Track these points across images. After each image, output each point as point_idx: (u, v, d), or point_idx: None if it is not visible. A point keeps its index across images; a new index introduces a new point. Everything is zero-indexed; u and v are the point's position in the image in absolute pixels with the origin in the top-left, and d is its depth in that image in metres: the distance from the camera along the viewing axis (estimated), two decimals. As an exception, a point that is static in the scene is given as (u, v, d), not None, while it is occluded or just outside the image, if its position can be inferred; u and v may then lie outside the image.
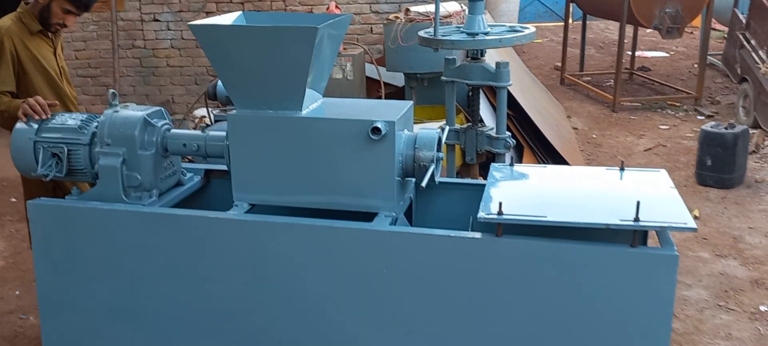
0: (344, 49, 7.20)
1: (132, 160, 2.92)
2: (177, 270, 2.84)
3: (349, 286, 2.67)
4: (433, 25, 4.34)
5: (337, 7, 7.44)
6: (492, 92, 5.92)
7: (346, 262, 2.66)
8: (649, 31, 10.04)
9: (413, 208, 3.12)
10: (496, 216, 2.44)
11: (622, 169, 2.93)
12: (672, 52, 12.41)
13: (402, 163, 2.76)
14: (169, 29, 8.66)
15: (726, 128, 6.31)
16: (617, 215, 2.40)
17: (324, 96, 3.00)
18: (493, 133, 4.46)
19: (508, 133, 4.43)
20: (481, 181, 3.19)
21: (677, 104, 9.10)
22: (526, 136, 6.40)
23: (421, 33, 4.47)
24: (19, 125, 3.08)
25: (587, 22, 11.05)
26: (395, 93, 7.42)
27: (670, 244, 2.43)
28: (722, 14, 10.39)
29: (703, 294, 4.47)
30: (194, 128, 5.45)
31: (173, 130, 3.04)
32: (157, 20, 8.67)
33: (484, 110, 5.81)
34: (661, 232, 2.49)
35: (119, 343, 3.00)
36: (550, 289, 2.48)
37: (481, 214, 2.47)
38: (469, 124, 4.62)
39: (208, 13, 8.41)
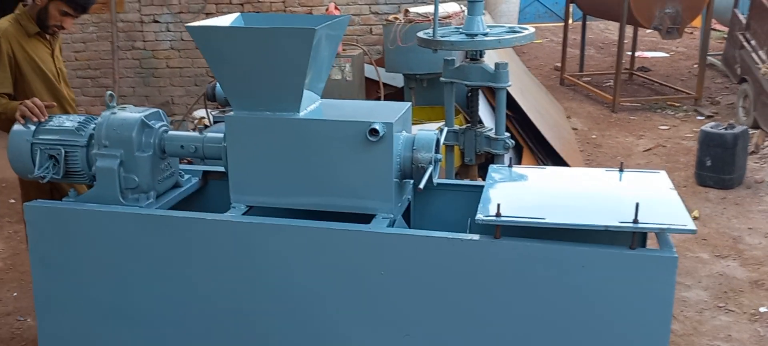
0: (343, 50, 7.19)
1: (129, 162, 2.91)
2: (174, 272, 2.83)
3: (346, 288, 2.66)
4: (432, 26, 4.33)
5: (336, 8, 7.44)
6: (491, 93, 5.91)
7: (343, 264, 2.65)
8: (648, 31, 10.03)
9: (411, 209, 3.11)
10: (494, 218, 2.43)
11: (621, 170, 2.92)
12: (672, 53, 12.40)
13: (400, 165, 2.75)
14: (168, 30, 8.65)
15: (726, 129, 6.30)
16: (616, 217, 2.39)
17: (323, 97, 2.99)
18: (492, 134, 4.46)
19: (507, 134, 4.42)
20: (479, 182, 3.18)
21: (677, 105, 9.09)
22: (525, 137, 6.39)
23: (420, 34, 4.46)
24: (17, 127, 3.07)
25: (587, 22, 11.04)
26: (394, 94, 7.41)
27: (669, 246, 2.42)
28: (722, 14, 10.37)
29: (703, 295, 4.46)
30: (193, 129, 5.44)
31: (171, 132, 3.03)
32: (157, 22, 8.67)
33: (484, 111, 5.80)
34: (661, 234, 2.48)
35: (116, 345, 2.99)
36: (549, 291, 2.46)
37: (479, 216, 2.46)
38: (468, 125, 4.61)
39: (208, 15, 8.41)
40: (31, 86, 3.48)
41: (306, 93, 2.76)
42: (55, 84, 3.59)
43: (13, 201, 6.36)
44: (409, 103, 2.94)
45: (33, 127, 3.05)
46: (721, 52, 10.17)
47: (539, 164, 6.05)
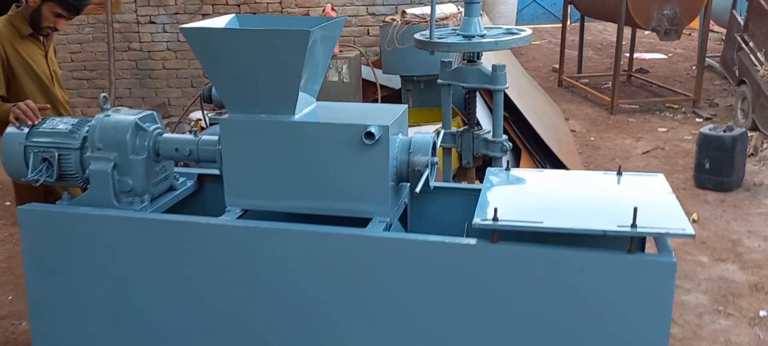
0: (340, 51, 7.17)
1: (123, 165, 2.88)
2: (168, 276, 2.80)
3: (342, 292, 2.64)
4: (429, 27, 4.31)
5: (333, 9, 7.42)
6: (489, 95, 5.89)
7: (339, 268, 2.62)
8: (647, 32, 10.02)
9: (408, 213, 3.09)
10: (491, 222, 2.40)
11: (619, 173, 2.89)
12: (670, 54, 12.39)
13: (396, 168, 2.72)
14: (165, 32, 8.63)
15: (724, 131, 6.28)
16: (614, 221, 2.37)
17: (319, 99, 2.97)
18: (489, 136, 4.43)
19: (505, 137, 4.40)
20: (476, 185, 3.16)
21: (675, 106, 9.08)
22: (523, 139, 6.37)
23: (417, 36, 4.44)
24: (10, 129, 3.04)
25: (585, 23, 11.04)
26: (392, 96, 7.39)
27: (668, 250, 2.40)
28: (720, 16, 10.37)
29: (702, 299, 4.43)
30: (188, 132, 5.42)
31: (165, 135, 3.00)
32: (153, 23, 8.65)
33: (482, 113, 5.78)
34: (659, 238, 2.45)
35: (110, 350, 2.96)
36: (547, 296, 2.44)
37: (476, 220, 2.43)
38: (466, 127, 4.58)
39: (205, 16, 8.39)
40: (24, 88, 3.45)
41: (301, 95, 2.73)
42: (48, 86, 3.57)
43: (8, 203, 6.33)
44: (406, 106, 2.91)
45: (26, 130, 3.02)
46: (720, 54, 10.15)
47: (537, 167, 6.03)
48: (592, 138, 7.96)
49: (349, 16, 8.32)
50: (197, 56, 2.75)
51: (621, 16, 8.68)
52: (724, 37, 10.38)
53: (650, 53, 12.42)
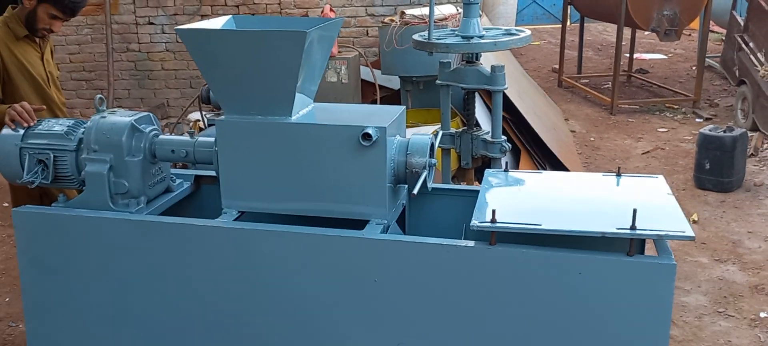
0: (339, 52, 7.16)
1: (119, 167, 2.86)
2: (164, 278, 2.78)
3: (339, 294, 2.62)
4: (428, 28, 4.29)
5: (331, 10, 7.40)
6: (489, 96, 5.87)
7: (336, 270, 2.60)
8: (647, 33, 10.00)
9: (406, 214, 3.06)
10: (489, 224, 2.38)
11: (618, 175, 2.87)
12: (670, 55, 12.37)
13: (394, 170, 2.70)
14: (163, 32, 8.62)
15: (724, 131, 6.26)
16: (613, 223, 2.35)
17: (318, 99, 2.95)
18: (488, 137, 4.41)
19: (504, 138, 4.38)
20: (475, 187, 3.14)
21: (675, 107, 9.06)
22: (523, 140, 6.36)
23: (416, 36, 4.42)
24: (5, 131, 3.02)
25: (585, 24, 11.01)
26: (391, 96, 7.38)
27: (667, 252, 2.38)
28: (720, 16, 10.35)
29: (702, 300, 4.41)
30: (183, 133, 5.40)
31: (161, 136, 2.98)
32: (152, 23, 8.63)
33: (482, 114, 5.76)
34: (659, 240, 2.43)
35: (106, 353, 2.94)
36: (545, 298, 2.42)
37: (474, 222, 2.41)
38: (465, 128, 4.57)
39: (204, 17, 8.37)
40: (19, 90, 3.43)
41: (298, 97, 2.71)
42: (44, 88, 3.54)
43: (6, 205, 6.31)
44: (403, 107, 2.89)
45: (22, 132, 3.00)
46: (720, 55, 10.14)
47: (537, 167, 6.01)
48: (592, 138, 7.94)
49: (348, 16, 8.30)
50: (193, 58, 2.73)
51: (621, 16, 8.66)
52: (724, 38, 10.36)
53: (650, 54, 12.40)
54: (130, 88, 8.85)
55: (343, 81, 6.84)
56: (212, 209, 2.99)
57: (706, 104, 9.11)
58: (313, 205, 2.73)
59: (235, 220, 2.77)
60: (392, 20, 6.74)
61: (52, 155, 2.93)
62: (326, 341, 2.68)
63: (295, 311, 2.68)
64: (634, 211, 2.29)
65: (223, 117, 2.78)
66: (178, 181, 3.23)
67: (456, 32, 4.37)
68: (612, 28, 12.36)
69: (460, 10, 5.78)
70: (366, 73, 7.33)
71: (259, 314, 2.72)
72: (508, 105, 6.19)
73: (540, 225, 2.37)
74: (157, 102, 8.83)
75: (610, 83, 9.67)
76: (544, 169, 6.01)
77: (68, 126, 2.98)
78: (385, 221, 2.67)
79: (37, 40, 3.55)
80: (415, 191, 2.63)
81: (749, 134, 6.79)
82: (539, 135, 6.23)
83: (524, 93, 7.33)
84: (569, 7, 10.61)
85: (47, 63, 3.62)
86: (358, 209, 2.69)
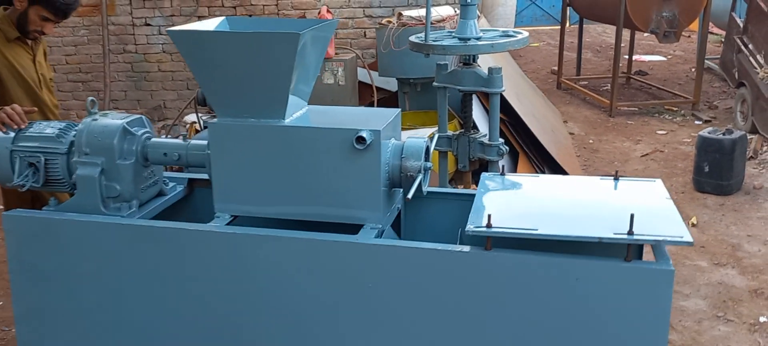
0: (336, 53, 7.13)
1: (111, 170, 2.82)
2: (156, 283, 2.74)
3: (333, 300, 2.58)
4: (424, 29, 4.25)
5: (328, 11, 7.37)
6: (486, 98, 5.84)
7: (330, 275, 2.56)
8: (646, 35, 9.98)
9: (402, 218, 3.03)
10: (484, 229, 2.35)
11: (616, 178, 2.84)
12: (669, 56, 12.35)
13: (388, 174, 2.66)
14: (160, 33, 8.58)
15: (724, 134, 6.23)
16: (611, 228, 2.31)
17: (315, 101, 2.92)
18: (485, 140, 4.37)
19: (501, 141, 4.34)
20: (471, 190, 3.10)
21: (675, 109, 9.02)
22: (521, 142, 6.32)
23: (412, 38, 4.38)
24: (-4, 134, 2.98)
25: (584, 25, 10.99)
26: (389, 98, 7.35)
27: (665, 258, 2.34)
28: (719, 18, 10.33)
29: (701, 304, 4.38)
30: (176, 136, 5.37)
31: (154, 139, 2.94)
32: (149, 24, 8.60)
33: (480, 116, 5.73)
34: (657, 245, 2.39)
35: (97, 358, 2.91)
36: (542, 304, 2.38)
37: (469, 226, 2.37)
38: (462, 130, 4.53)
39: (201, 18, 8.33)
40: (10, 93, 3.39)
41: (292, 99, 2.68)
42: (35, 91, 3.51)
43: (1, 207, 6.26)
44: (399, 110, 2.85)
45: (12, 134, 2.97)
46: (719, 56, 10.11)
47: (535, 170, 5.98)
48: (591, 141, 7.91)
49: (345, 18, 8.27)
50: (185, 59, 2.70)
51: (620, 18, 8.63)
52: (723, 40, 10.33)
53: (649, 55, 12.37)
54: (126, 89, 8.81)
55: (340, 83, 6.80)
56: (206, 213, 2.95)
57: (705, 106, 9.08)
58: (307, 209, 2.70)
59: (227, 224, 2.74)
60: (390, 22, 6.71)
61: (43, 158, 2.89)
62: (320, 344, 2.64)
63: (287, 316, 2.64)
64: (632, 216, 2.26)
65: (215, 120, 2.74)
66: (171, 184, 3.19)
67: (453, 34, 4.34)
68: (611, 29, 12.33)
69: (458, 12, 5.75)
70: (363, 74, 7.30)
71: (251, 319, 2.68)
72: (507, 107, 6.16)
73: (536, 230, 2.34)
74: (153, 104, 8.79)
75: (609, 85, 9.65)
76: (543, 172, 5.98)
77: (59, 129, 2.94)
78: (380, 226, 2.63)
79: (29, 42, 3.52)
80: (410, 195, 2.59)
81: (748, 137, 6.77)
82: (537, 137, 6.20)
83: (522, 95, 7.30)
84: (568, 8, 10.58)
85: (39, 65, 3.59)
86: (352, 213, 2.65)
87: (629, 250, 2.29)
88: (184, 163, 2.91)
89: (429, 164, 2.72)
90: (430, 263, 2.45)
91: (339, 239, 2.54)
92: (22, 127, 2.98)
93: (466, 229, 2.37)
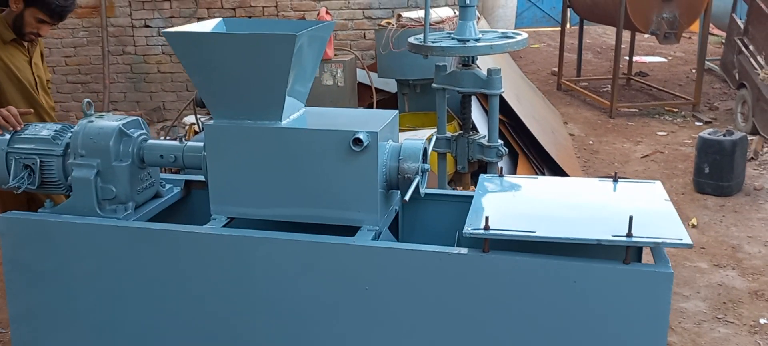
0: (335, 55, 7.11)
1: (107, 172, 2.81)
2: (152, 285, 2.73)
3: (330, 302, 2.56)
4: (423, 31, 4.24)
5: (327, 13, 7.35)
6: (486, 99, 5.82)
7: (326, 277, 2.55)
8: (646, 36, 9.96)
9: (400, 220, 3.01)
10: (482, 231, 2.33)
11: (615, 180, 2.82)
12: (670, 58, 12.32)
13: (386, 176, 2.65)
14: (159, 35, 8.56)
15: (724, 135, 6.21)
16: (610, 230, 2.29)
17: (314, 103, 2.90)
18: (484, 141, 4.36)
19: (501, 142, 4.33)
20: (470, 192, 3.08)
21: (675, 110, 9.00)
22: (520, 144, 6.31)
23: (411, 39, 4.36)
24: (-9, 136, 2.97)
25: (584, 27, 10.97)
26: (388, 100, 7.34)
27: (664, 260, 2.32)
28: (720, 19, 10.30)
29: (701, 306, 4.36)
30: (172, 138, 5.36)
31: (150, 141, 2.93)
32: (148, 26, 8.59)
33: (479, 117, 5.71)
34: (656, 247, 2.38)
35: (93, 361, 2.89)
36: (540, 307, 2.37)
37: (466, 228, 2.36)
38: (461, 132, 4.51)
39: (200, 19, 8.31)
40: (5, 94, 3.38)
41: (289, 100, 2.66)
42: (31, 93, 3.49)
43: (-1, 209, 6.24)
44: (396, 112, 2.84)
45: (8, 136, 2.95)
46: (720, 58, 10.09)
47: (535, 171, 5.96)
48: (591, 142, 7.89)
49: (345, 19, 8.26)
50: (181, 61, 2.68)
51: (620, 19, 8.61)
52: (724, 41, 10.32)
53: (650, 57, 12.34)
54: (126, 91, 8.80)
55: (340, 84, 6.79)
56: (203, 215, 2.94)
57: (705, 108, 9.06)
58: (303, 211, 2.68)
59: (224, 226, 2.72)
60: (389, 23, 6.70)
61: (38, 160, 2.88)
62: (317, 347, 2.63)
63: (284, 319, 2.62)
64: (631, 218, 2.24)
65: (211, 121, 2.73)
66: (167, 186, 3.18)
67: (452, 35, 4.32)
68: (611, 31, 12.31)
69: (457, 13, 5.74)
70: (362, 76, 7.28)
71: (248, 322, 2.67)
72: (507, 109, 6.14)
73: (534, 232, 2.32)
74: (153, 105, 8.78)
75: (609, 86, 9.63)
76: (542, 173, 5.96)
77: (55, 131, 2.93)
78: (377, 228, 2.61)
79: (26, 44, 3.50)
80: (407, 197, 2.58)
81: (749, 138, 6.74)
82: (537, 139, 6.18)
83: (522, 96, 7.29)
84: (569, 10, 10.56)
85: (36, 67, 3.57)
86: (349, 215, 2.64)
87: (628, 252, 2.28)
88: (180, 165, 2.90)
89: (426, 166, 2.71)
90: (427, 265, 2.44)
91: (336, 241, 2.53)
92: (18, 129, 2.97)
93: (464, 231, 2.35)
